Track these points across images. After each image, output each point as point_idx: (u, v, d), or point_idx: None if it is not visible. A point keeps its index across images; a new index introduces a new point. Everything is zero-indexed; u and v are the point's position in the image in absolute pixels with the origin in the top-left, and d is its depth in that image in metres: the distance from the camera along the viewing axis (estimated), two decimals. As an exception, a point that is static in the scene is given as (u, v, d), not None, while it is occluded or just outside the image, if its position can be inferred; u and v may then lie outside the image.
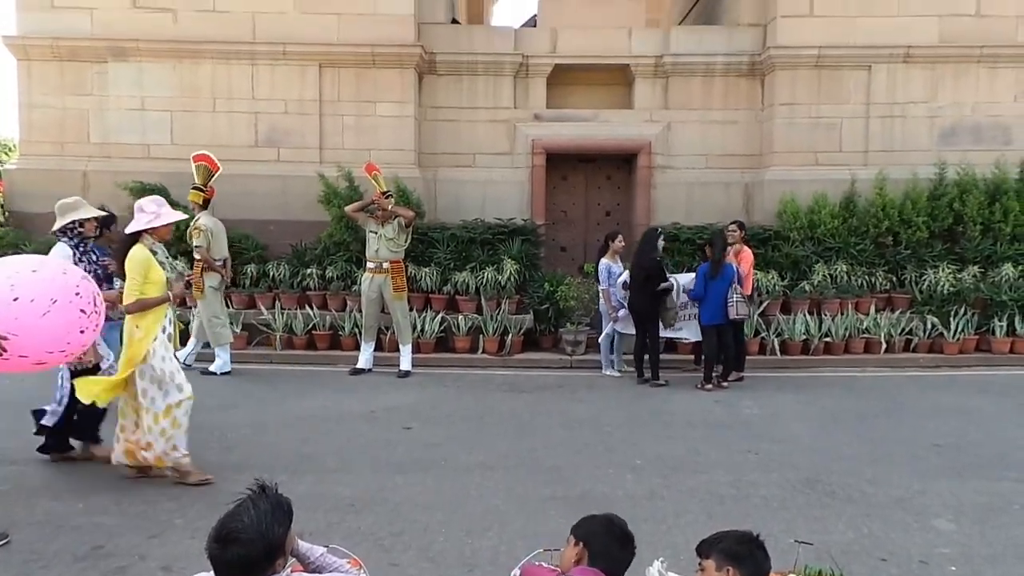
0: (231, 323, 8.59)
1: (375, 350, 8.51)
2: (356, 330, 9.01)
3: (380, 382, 7.85)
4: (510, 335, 9.11)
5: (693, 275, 8.08)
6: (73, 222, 4.89)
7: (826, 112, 10.46)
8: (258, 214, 10.21)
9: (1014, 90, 10.36)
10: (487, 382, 7.98)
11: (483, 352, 9.10)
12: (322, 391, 7.38)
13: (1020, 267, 9.50)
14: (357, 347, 8.69)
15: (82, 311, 3.67)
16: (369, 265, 8.34)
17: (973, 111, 10.39)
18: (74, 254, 4.85)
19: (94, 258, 5.05)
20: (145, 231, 4.54)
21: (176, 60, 10.33)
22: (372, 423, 6.20)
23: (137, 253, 4.45)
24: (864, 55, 10.28)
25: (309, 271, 9.77)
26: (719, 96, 10.99)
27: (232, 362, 8.17)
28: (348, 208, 8.62)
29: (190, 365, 7.99)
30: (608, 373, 8.43)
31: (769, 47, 10.43)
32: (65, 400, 4.82)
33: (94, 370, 4.77)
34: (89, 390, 4.35)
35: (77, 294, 3.67)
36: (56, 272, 3.78)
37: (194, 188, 8.05)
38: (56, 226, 4.94)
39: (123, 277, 4.57)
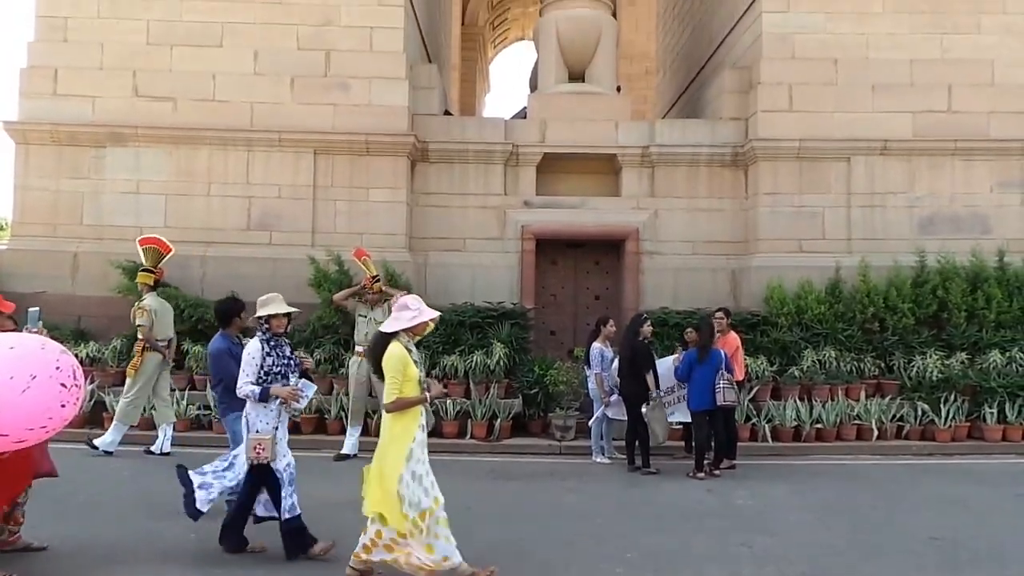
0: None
1: (362, 434, 8.34)
2: (342, 414, 8.86)
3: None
4: (499, 420, 8.98)
5: (673, 357, 8.06)
6: (260, 317, 4.91)
7: (808, 201, 10.74)
8: (247, 296, 10.07)
9: (989, 181, 10.70)
10: (475, 468, 7.79)
11: (471, 437, 8.94)
12: (306, 477, 7.12)
13: (1007, 354, 9.56)
14: (343, 431, 8.52)
15: (62, 385, 3.62)
16: (358, 348, 8.29)
17: (951, 201, 10.69)
18: (262, 348, 4.83)
19: (285, 352, 5.00)
20: (403, 329, 4.47)
21: (174, 146, 10.56)
22: (358, 512, 6.00)
23: (396, 351, 4.37)
24: (842, 147, 10.65)
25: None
26: (704, 185, 11.29)
27: (211, 447, 7.96)
28: (337, 296, 8.66)
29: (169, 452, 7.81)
30: (599, 460, 8.27)
31: (751, 139, 10.81)
32: (239, 491, 4.79)
33: (267, 467, 4.74)
34: (375, 501, 4.20)
35: (57, 368, 3.62)
36: (34, 348, 3.73)
37: (143, 270, 8.07)
38: (250, 320, 4.98)
39: (380, 376, 4.48)
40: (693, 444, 7.91)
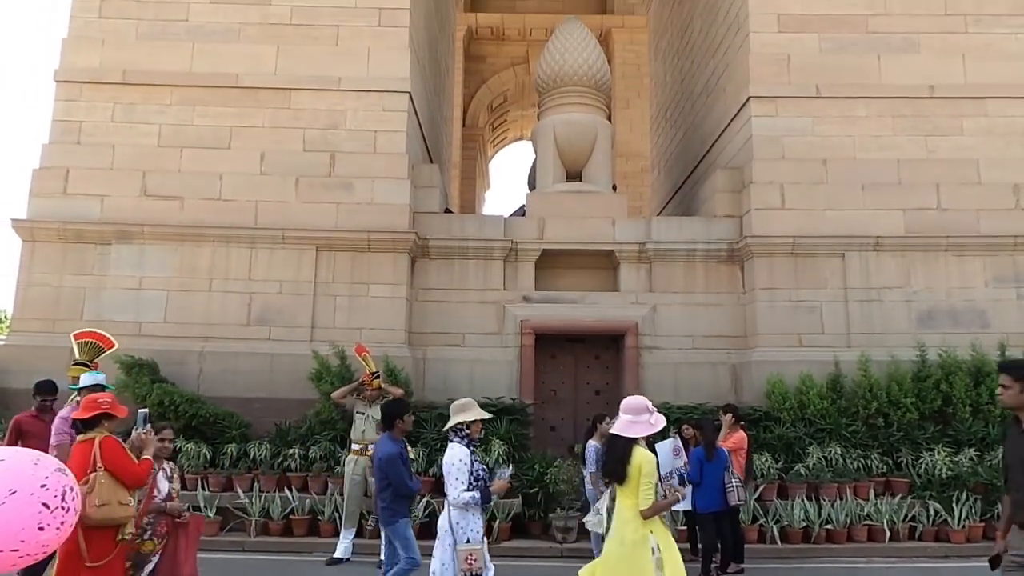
0: (205, 507, 8.17)
1: (356, 537, 8.05)
2: (336, 515, 8.58)
3: (359, 574, 7.34)
4: (497, 521, 8.69)
5: (670, 442, 7.84)
6: (461, 423, 4.87)
7: (805, 296, 10.81)
8: (243, 391, 10.11)
9: (984, 276, 10.80)
10: (473, 574, 7.45)
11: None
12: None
13: (1016, 450, 9.35)
14: (337, 533, 8.23)
15: (44, 505, 3.27)
16: (354, 447, 8.13)
17: (948, 296, 10.76)
18: (470, 453, 4.78)
19: (477, 457, 4.93)
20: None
21: (178, 243, 10.72)
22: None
23: (649, 455, 4.41)
24: (836, 244, 10.82)
25: (291, 451, 9.50)
26: (701, 280, 11.40)
27: (200, 550, 7.64)
28: (336, 394, 8.59)
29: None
30: (601, 564, 7.91)
31: (746, 236, 11.00)
32: None
33: None
34: None
35: (43, 486, 3.31)
36: (24, 462, 3.49)
37: (77, 364, 7.77)
38: (447, 425, 4.93)
39: (617, 479, 4.45)
40: (699, 547, 7.62)
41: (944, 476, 9.10)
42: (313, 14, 11.34)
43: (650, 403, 4.56)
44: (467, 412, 4.87)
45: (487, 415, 5.01)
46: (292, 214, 10.82)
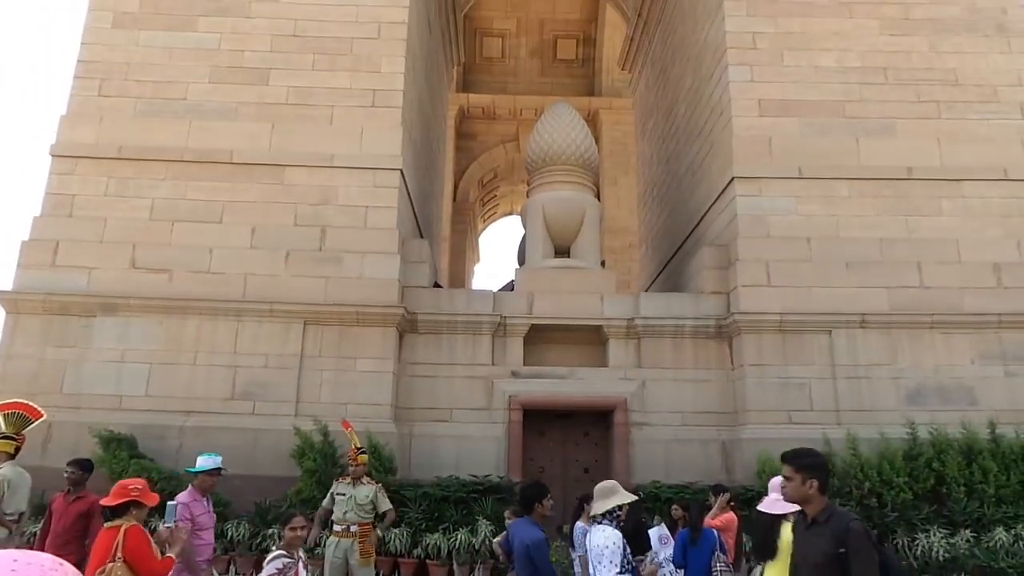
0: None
1: (334, 625, 7.67)
2: (315, 601, 8.21)
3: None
4: (483, 607, 8.36)
5: (656, 529, 7.64)
6: (613, 508, 4.78)
7: (794, 373, 10.80)
8: (226, 467, 9.82)
9: (970, 354, 10.85)
10: (457, 666, 7.11)
11: (453, 628, 8.26)
12: None
13: (1012, 531, 9.20)
14: (314, 622, 7.84)
15: None
16: (336, 528, 7.85)
17: (935, 373, 10.77)
18: (622, 537, 4.65)
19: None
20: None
21: (164, 315, 10.65)
22: None
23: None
24: (823, 321, 10.89)
25: (271, 531, 9.18)
26: (690, 356, 11.39)
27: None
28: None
29: None
30: (591, 654, 7.57)
31: (733, 312, 11.07)
32: None
33: None
34: None
35: None
36: (48, 566, 3.33)
37: (3, 437, 7.44)
38: (596, 510, 4.81)
39: (768, 556, 4.36)
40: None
41: (941, 559, 8.89)
42: (309, 94, 11.66)
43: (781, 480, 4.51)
44: (617, 495, 4.88)
45: (634, 497, 5.01)
46: (281, 287, 10.82)
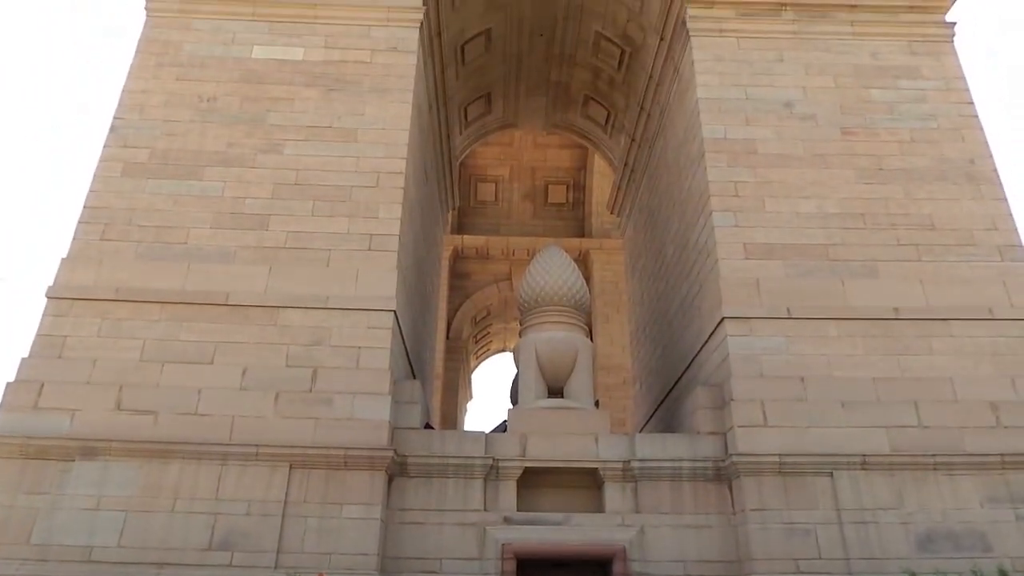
0: None
1: None
2: None
3: None
4: None
5: None
6: None
7: (798, 518, 10.39)
8: (195, 630, 9.16)
9: (978, 497, 10.51)
10: None
11: None
12: None
13: None
14: None
15: None
16: None
17: (944, 518, 10.37)
18: None
19: None
20: None
21: (145, 459, 10.31)
22: None
23: None
24: (823, 462, 10.62)
25: None
26: (689, 500, 11.00)
27: None
28: None
29: None
30: None
31: (731, 454, 10.81)
32: None
33: None
34: None
35: None
36: None
37: None
38: None
39: None
40: None
41: None
42: (307, 239, 11.99)
43: None
44: None
45: None
46: (268, 430, 10.58)
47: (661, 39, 15.56)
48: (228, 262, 11.72)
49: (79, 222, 11.95)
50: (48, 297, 11.35)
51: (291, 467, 10.40)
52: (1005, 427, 10.89)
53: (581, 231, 27.60)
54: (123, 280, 11.47)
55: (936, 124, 13.35)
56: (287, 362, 11.06)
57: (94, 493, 10.11)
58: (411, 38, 13.96)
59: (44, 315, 11.23)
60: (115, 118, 12.87)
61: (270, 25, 13.93)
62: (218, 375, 10.88)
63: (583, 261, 26.38)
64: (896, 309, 11.71)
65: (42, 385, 10.67)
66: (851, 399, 11.05)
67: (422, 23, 14.28)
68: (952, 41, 14.27)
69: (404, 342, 12.96)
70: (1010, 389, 11.15)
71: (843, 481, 10.56)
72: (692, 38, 14.14)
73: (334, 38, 13.88)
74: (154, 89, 13.18)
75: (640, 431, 17.82)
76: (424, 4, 14.38)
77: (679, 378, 14.36)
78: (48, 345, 11.01)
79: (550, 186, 27.60)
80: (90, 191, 12.20)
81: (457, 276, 26.99)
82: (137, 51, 13.59)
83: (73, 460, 10.27)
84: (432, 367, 19.80)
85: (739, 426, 10.90)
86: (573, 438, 11.42)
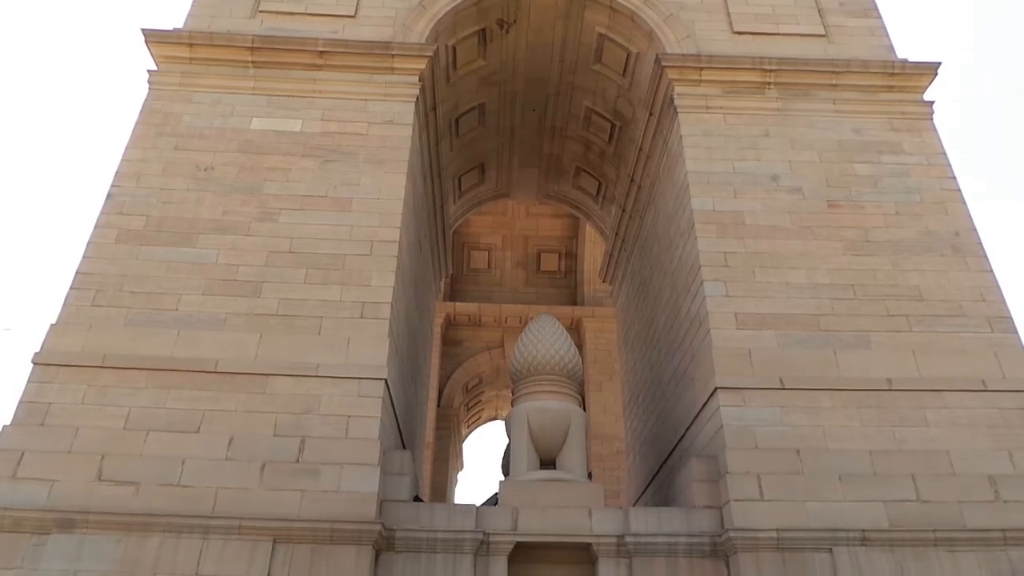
0: None
1: None
2: None
3: None
4: None
5: None
6: None
7: (798, 598, 10.07)
8: None
9: (980, 573, 10.23)
10: None
11: None
12: None
13: None
14: None
15: None
16: None
17: (948, 597, 10.10)
18: None
19: None
20: None
21: (124, 532, 9.96)
22: None
23: None
24: (821, 537, 10.36)
25: None
26: (686, 578, 10.66)
27: None
28: None
29: None
30: None
31: (727, 529, 10.54)
32: None
33: None
34: None
35: None
36: None
37: None
38: None
39: None
40: None
41: None
42: (299, 306, 11.96)
43: None
44: None
45: None
46: (253, 502, 10.29)
47: (650, 114, 16.00)
48: (218, 329, 11.65)
49: (70, 288, 11.91)
50: (34, 363, 11.20)
51: (275, 541, 10.07)
52: (1005, 501, 10.72)
53: (573, 299, 27.71)
54: (111, 346, 11.36)
55: (919, 198, 13.64)
56: (275, 431, 10.86)
57: (68, 568, 9.73)
58: (407, 112, 14.32)
59: (29, 381, 11.05)
60: (112, 186, 13.01)
61: (269, 98, 14.29)
62: (203, 445, 10.65)
63: (576, 329, 26.37)
64: (889, 380, 11.68)
65: (22, 454, 10.41)
66: (848, 472, 10.89)
67: (418, 98, 14.67)
68: (931, 119, 14.73)
69: (395, 411, 12.79)
70: (1008, 462, 11.03)
71: (843, 557, 10.29)
72: (680, 114, 14.55)
73: (332, 111, 14.22)
74: (152, 158, 13.38)
75: (634, 504, 17.44)
76: (420, 80, 14.81)
77: (673, 448, 14.15)
78: (31, 412, 10.79)
79: (542, 254, 27.87)
80: (83, 257, 12.22)
81: (449, 343, 26.89)
82: (138, 122, 13.85)
83: (49, 532, 9.93)
84: (422, 436, 19.49)
85: (735, 500, 10.68)
86: (566, 511, 11.15)
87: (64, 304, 11.76)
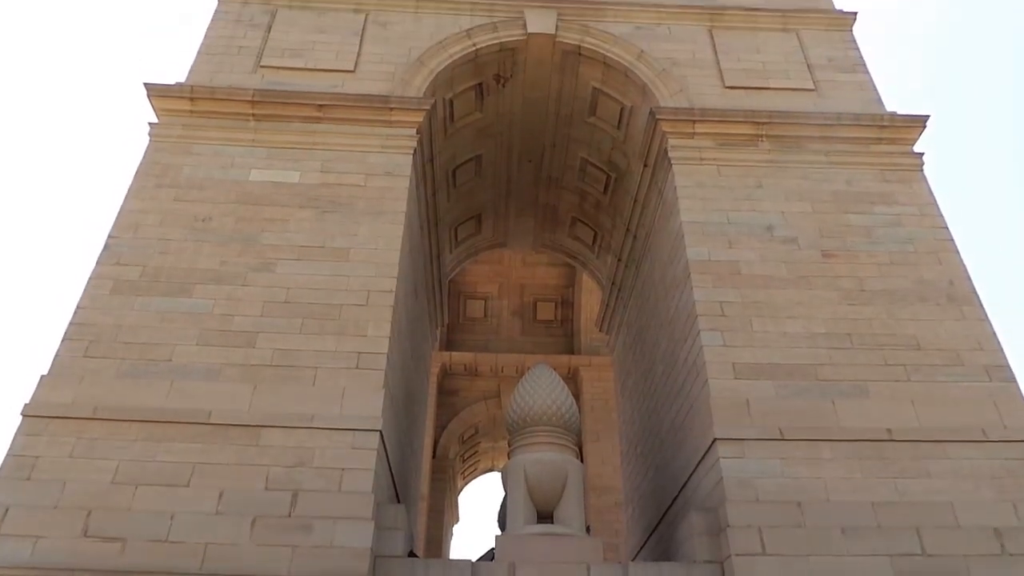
0: None
1: None
2: None
3: None
4: None
5: None
6: None
7: (804, 657, 9.76)
8: None
9: (989, 634, 10.00)
10: None
11: None
12: None
13: None
14: None
15: None
16: None
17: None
18: None
19: None
20: None
21: (109, 592, 9.68)
22: None
23: None
24: (826, 594, 10.11)
25: None
26: (687, 637, 10.34)
27: None
28: None
29: None
30: None
31: (730, 585, 10.30)
32: None
33: None
34: None
35: None
36: None
37: None
38: None
39: None
40: None
41: None
42: (294, 356, 11.87)
43: None
44: None
45: None
46: (243, 558, 10.01)
47: (645, 166, 16.22)
48: (212, 380, 11.53)
49: (63, 339, 11.82)
50: (23, 415, 11.03)
51: (264, 600, 9.78)
52: (1011, 555, 10.50)
53: (570, 348, 27.61)
54: (102, 398, 11.21)
55: (913, 247, 13.75)
56: (267, 485, 10.64)
57: (50, 630, 9.41)
58: (405, 163, 14.49)
59: (17, 434, 10.87)
60: (110, 236, 13.05)
61: (268, 151, 14.47)
62: (193, 499, 10.42)
63: (572, 378, 26.21)
64: (889, 430, 11.56)
65: (7, 509, 10.17)
66: (851, 525, 10.68)
67: (416, 150, 14.87)
68: (921, 170, 14.96)
69: (389, 463, 12.58)
70: (1012, 515, 10.84)
71: None
72: (674, 165, 14.75)
73: (330, 163, 14.39)
74: (151, 209, 13.46)
75: (634, 558, 17.05)
76: (418, 133, 15.03)
77: (672, 501, 13.90)
78: (18, 466, 10.58)
79: (539, 303, 27.88)
80: (78, 308, 12.17)
81: (445, 393, 26.67)
82: (137, 173, 13.98)
83: (31, 592, 9.63)
84: (417, 488, 19.14)
85: (736, 555, 10.44)
86: (564, 567, 10.87)
87: (56, 355, 11.66)
